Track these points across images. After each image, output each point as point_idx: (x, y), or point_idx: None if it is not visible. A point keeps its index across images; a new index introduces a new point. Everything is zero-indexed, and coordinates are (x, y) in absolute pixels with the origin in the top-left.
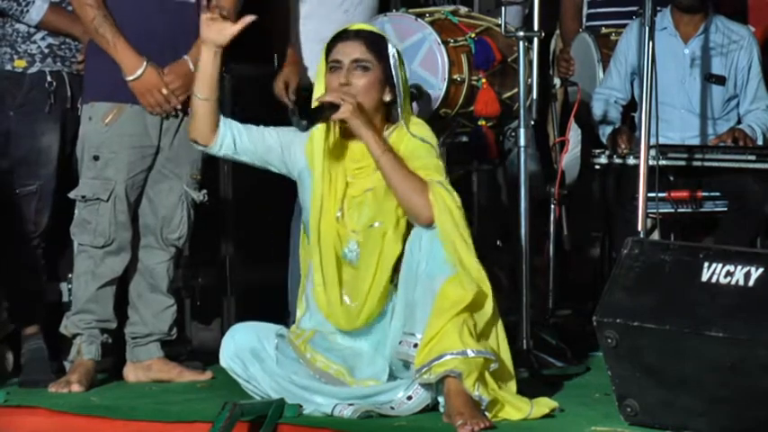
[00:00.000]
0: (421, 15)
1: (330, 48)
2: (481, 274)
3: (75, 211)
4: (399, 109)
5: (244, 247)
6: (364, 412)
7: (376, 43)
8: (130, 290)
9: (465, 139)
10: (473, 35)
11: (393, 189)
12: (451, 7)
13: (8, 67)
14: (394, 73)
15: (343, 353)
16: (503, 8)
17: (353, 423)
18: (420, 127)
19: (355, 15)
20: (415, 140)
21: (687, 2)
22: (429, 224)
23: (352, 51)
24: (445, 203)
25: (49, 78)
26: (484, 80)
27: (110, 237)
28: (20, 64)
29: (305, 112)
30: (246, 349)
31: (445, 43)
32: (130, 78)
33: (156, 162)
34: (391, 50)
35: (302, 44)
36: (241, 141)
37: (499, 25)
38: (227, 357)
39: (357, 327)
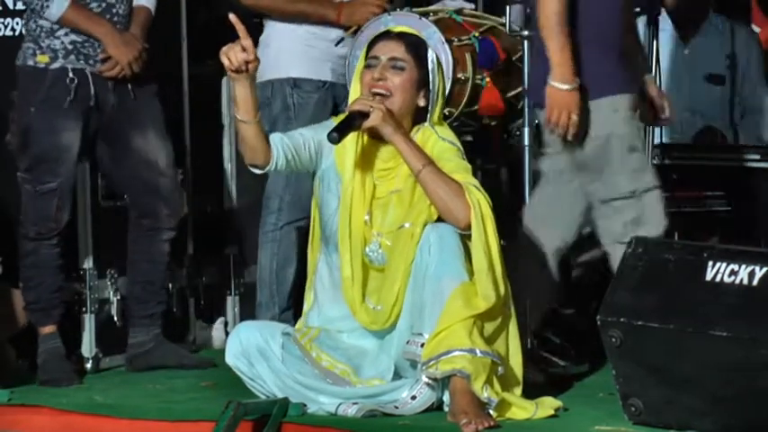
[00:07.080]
0: (425, 14)
1: (371, 46)
2: (504, 281)
3: None
4: (429, 114)
5: (247, 246)
6: (368, 411)
7: (416, 46)
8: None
9: (469, 138)
10: (477, 34)
11: (432, 197)
12: (456, 2)
13: (30, 63)
14: (431, 78)
15: (348, 352)
16: (507, 7)
17: (357, 422)
18: (446, 129)
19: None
20: (442, 142)
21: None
22: (468, 227)
23: (390, 50)
24: (480, 207)
25: (70, 75)
26: (488, 79)
27: None
28: (42, 59)
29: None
30: (253, 347)
31: (449, 42)
32: None
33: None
34: (431, 55)
35: (292, 38)
36: (294, 155)
37: (503, 24)
38: (232, 355)
39: (384, 327)
